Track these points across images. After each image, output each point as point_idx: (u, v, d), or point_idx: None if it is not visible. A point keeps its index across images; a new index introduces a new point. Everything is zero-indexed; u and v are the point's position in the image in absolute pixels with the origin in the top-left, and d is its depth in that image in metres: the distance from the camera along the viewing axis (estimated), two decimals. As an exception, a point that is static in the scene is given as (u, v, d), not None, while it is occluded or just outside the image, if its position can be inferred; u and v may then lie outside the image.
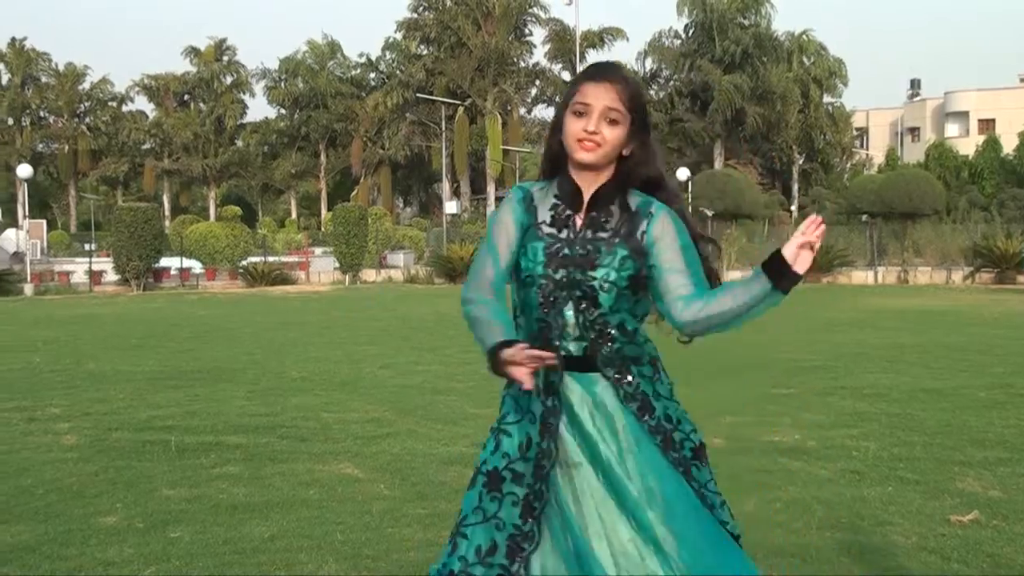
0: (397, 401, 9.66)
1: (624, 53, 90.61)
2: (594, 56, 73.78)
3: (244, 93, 79.79)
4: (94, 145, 78.36)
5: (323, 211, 72.00)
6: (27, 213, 45.77)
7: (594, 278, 2.76)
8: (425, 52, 73.00)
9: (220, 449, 7.36)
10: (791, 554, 4.87)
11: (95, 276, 37.23)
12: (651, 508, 2.69)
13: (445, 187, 65.78)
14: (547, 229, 2.83)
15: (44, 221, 62.42)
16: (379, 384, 10.94)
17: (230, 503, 5.89)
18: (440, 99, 64.57)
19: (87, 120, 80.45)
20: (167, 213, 69.95)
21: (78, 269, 40.38)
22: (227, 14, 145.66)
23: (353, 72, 77.75)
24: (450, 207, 57.23)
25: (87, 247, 50.30)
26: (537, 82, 75.78)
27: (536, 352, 2.57)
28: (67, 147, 78.63)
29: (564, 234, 2.82)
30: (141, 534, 5.26)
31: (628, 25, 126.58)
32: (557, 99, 72.17)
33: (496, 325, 2.71)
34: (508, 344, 2.60)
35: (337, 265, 39.83)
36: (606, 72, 2.88)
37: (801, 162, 73.31)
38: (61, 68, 79.96)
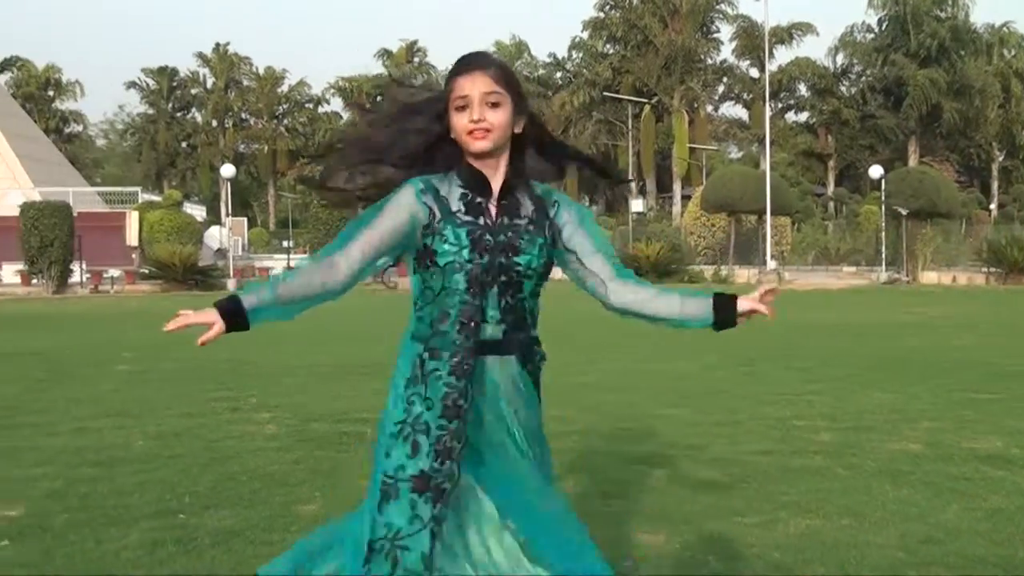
0: (580, 399, 9.67)
1: (814, 49, 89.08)
2: (783, 53, 72.52)
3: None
4: (292, 145, 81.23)
5: (510, 209, 72.68)
6: (230, 211, 47.61)
7: (519, 264, 2.87)
8: (611, 51, 73.08)
9: (412, 442, 7.49)
10: (994, 564, 4.69)
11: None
12: (541, 499, 2.87)
13: (631, 185, 65.59)
14: (464, 217, 2.88)
15: (245, 219, 64.91)
16: (559, 382, 10.96)
17: (423, 495, 6.00)
18: (626, 97, 64.49)
19: (285, 121, 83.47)
20: (360, 211, 71.80)
21: (277, 265, 41.82)
22: (418, 16, 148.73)
23: (540, 72, 78.32)
24: (636, 205, 56.90)
25: (285, 244, 52.11)
26: (724, 79, 74.95)
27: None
28: (267, 147, 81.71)
29: (481, 221, 2.89)
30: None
31: (818, 20, 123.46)
32: (745, 96, 71.44)
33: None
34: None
35: (524, 263, 40.14)
36: (473, 61, 2.93)
37: (1001, 159, 70.54)
38: (261, 72, 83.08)
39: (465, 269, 2.83)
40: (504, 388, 2.87)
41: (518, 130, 2.94)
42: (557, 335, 15.97)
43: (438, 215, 2.86)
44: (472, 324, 2.82)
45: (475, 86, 2.85)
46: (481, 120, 2.83)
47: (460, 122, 2.86)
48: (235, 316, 2.83)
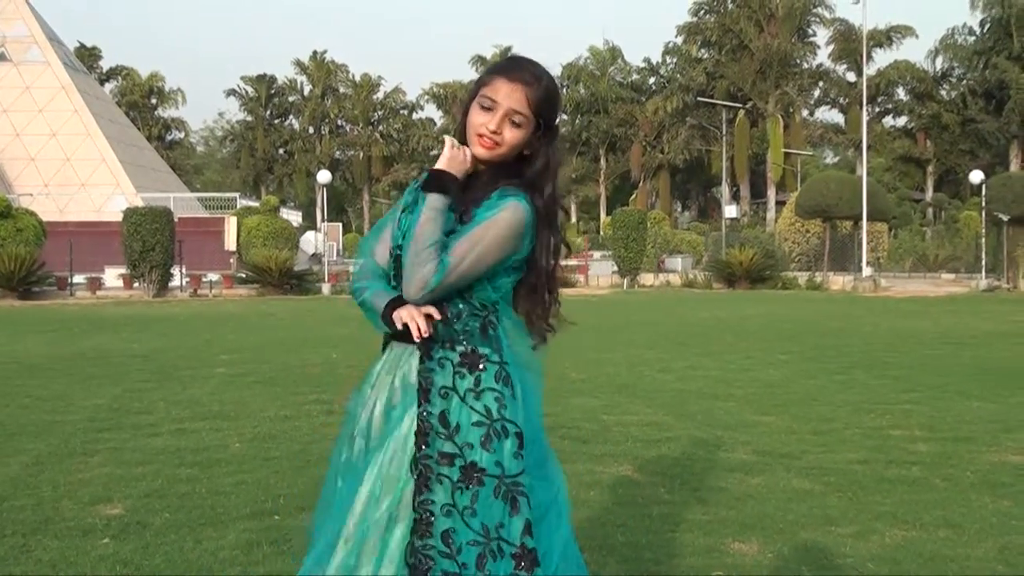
0: (676, 405, 9.64)
1: (914, 52, 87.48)
2: (881, 56, 71.42)
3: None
4: (386, 151, 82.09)
5: (602, 215, 72.66)
6: (325, 216, 48.19)
7: None
8: (706, 55, 72.68)
9: (504, 447, 7.50)
10: (1098, 581, 4.58)
11: (386, 277, 38.78)
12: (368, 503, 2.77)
13: (724, 191, 65.05)
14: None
15: (340, 224, 65.63)
16: (658, 388, 10.95)
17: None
18: (720, 102, 63.99)
19: (380, 128, 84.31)
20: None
21: (369, 270, 42.15)
22: (512, 23, 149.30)
23: (633, 77, 78.13)
24: (729, 211, 56.44)
25: (378, 249, 52.41)
26: (821, 83, 74.05)
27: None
28: (362, 154, 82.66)
29: None
30: (431, 525, 5.45)
31: (918, 22, 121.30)
32: (842, 100, 70.42)
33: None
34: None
35: (615, 269, 40.02)
36: (521, 71, 2.78)
37: (1108, 164, 68.53)
38: (358, 79, 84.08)
39: (395, 256, 2.84)
40: (400, 377, 2.82)
41: (527, 152, 2.83)
42: (670, 343, 15.96)
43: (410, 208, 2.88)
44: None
45: (510, 98, 2.74)
46: (497, 133, 2.75)
47: (477, 119, 2.77)
48: None
